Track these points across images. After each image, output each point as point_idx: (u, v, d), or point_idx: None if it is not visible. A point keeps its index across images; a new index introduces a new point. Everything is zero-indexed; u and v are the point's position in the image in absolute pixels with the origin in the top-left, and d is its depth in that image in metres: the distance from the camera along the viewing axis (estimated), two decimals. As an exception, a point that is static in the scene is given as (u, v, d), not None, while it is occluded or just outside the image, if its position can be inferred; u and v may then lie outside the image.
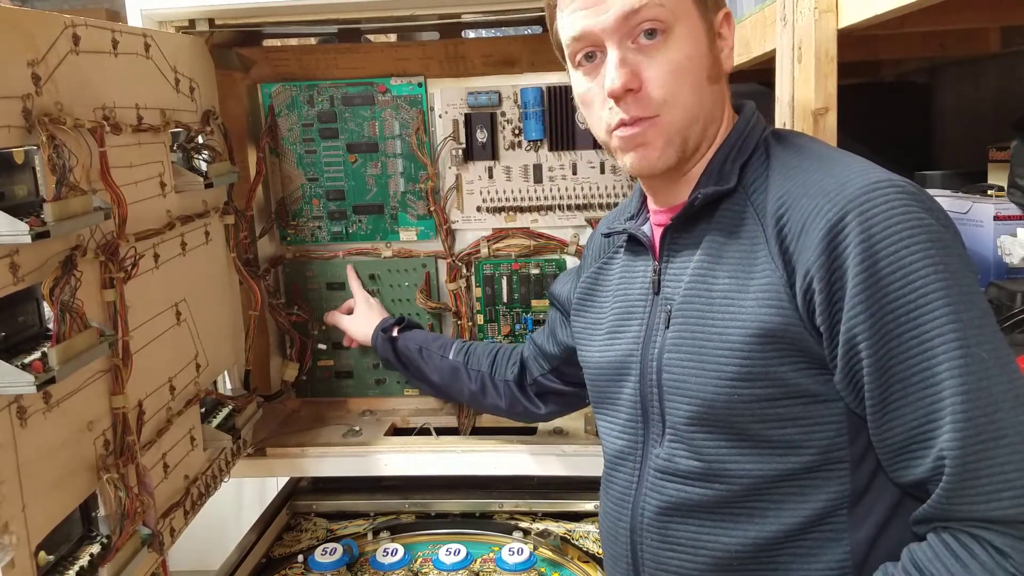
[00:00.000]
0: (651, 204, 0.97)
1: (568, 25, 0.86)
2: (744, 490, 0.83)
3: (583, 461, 1.47)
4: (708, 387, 0.82)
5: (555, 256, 1.61)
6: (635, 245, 0.98)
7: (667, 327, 0.88)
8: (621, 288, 0.98)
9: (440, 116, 1.58)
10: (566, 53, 0.90)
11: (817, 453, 0.80)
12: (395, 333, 1.46)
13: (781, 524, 0.81)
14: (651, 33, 0.82)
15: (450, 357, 1.39)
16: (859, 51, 1.64)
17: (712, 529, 0.85)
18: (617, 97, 0.83)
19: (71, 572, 0.94)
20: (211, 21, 1.39)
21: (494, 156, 1.57)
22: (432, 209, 1.59)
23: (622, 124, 0.85)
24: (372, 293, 1.64)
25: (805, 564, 0.81)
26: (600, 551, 1.41)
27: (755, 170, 0.86)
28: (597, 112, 0.88)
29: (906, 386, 0.72)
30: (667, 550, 0.88)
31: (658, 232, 0.94)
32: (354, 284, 1.62)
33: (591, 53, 0.86)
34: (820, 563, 0.81)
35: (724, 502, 0.84)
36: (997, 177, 1.42)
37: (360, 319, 1.56)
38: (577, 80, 0.90)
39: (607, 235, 1.04)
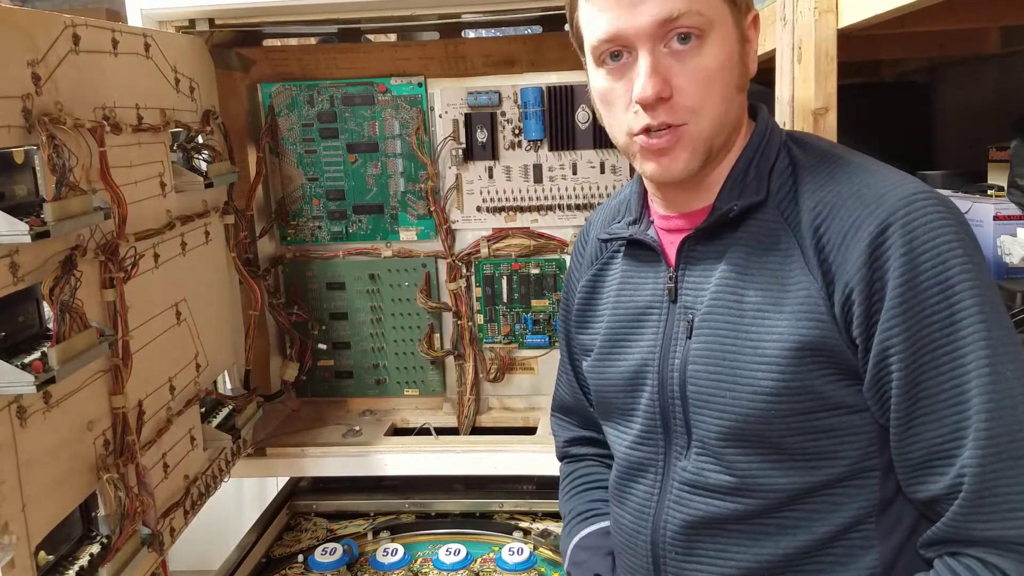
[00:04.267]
0: (658, 208, 0.93)
1: (597, 22, 0.80)
2: (777, 503, 0.81)
3: (583, 461, 1.46)
4: (742, 401, 0.80)
5: (555, 256, 1.61)
6: (638, 250, 0.94)
7: (689, 337, 0.85)
8: (625, 295, 0.94)
9: (440, 116, 1.58)
10: (588, 50, 0.84)
11: (850, 463, 0.79)
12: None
13: (812, 534, 0.80)
14: (685, 38, 0.79)
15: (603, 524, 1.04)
16: (859, 51, 1.63)
17: (742, 542, 0.83)
18: (647, 105, 0.80)
19: (71, 572, 0.94)
20: (211, 21, 1.39)
21: (494, 156, 1.57)
22: (432, 209, 1.59)
23: (646, 130, 0.81)
24: (372, 293, 1.64)
25: (835, 573, 0.80)
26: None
27: (779, 178, 0.84)
28: (619, 114, 0.83)
29: (935, 401, 0.72)
30: (693, 563, 0.86)
31: (667, 237, 0.91)
32: None
33: (617, 52, 0.81)
34: (850, 572, 0.80)
35: (755, 515, 0.82)
36: (997, 177, 1.42)
37: None
38: (598, 78, 0.84)
39: (606, 240, 0.99)
